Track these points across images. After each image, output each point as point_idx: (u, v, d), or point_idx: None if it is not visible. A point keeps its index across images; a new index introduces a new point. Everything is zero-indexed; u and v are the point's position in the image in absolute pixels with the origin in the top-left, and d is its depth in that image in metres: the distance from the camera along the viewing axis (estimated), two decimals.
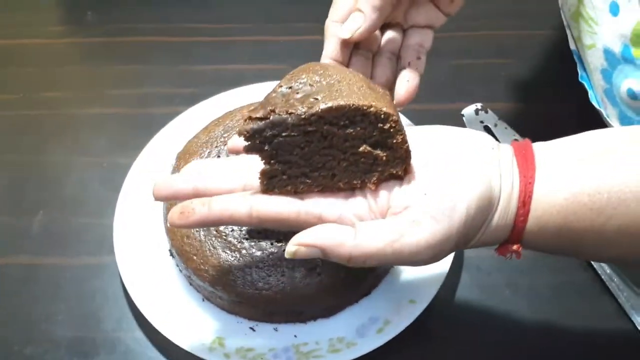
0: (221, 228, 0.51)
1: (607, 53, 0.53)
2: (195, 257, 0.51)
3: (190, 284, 0.54)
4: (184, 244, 0.52)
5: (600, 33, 0.53)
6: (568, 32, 0.61)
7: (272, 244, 0.51)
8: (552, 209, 0.37)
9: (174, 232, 0.53)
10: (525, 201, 0.38)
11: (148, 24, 0.77)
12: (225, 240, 0.51)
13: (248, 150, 0.39)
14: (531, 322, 0.53)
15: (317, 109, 0.37)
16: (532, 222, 0.38)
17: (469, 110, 0.64)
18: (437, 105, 0.66)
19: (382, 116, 0.38)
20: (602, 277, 0.53)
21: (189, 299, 0.53)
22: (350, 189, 0.40)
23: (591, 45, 0.55)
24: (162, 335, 0.50)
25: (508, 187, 0.39)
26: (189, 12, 0.78)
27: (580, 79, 0.59)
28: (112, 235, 0.55)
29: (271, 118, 0.37)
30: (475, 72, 0.70)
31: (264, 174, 0.40)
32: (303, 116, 0.37)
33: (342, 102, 0.37)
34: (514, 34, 0.73)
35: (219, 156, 0.56)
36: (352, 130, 0.38)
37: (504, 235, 0.39)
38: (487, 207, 0.38)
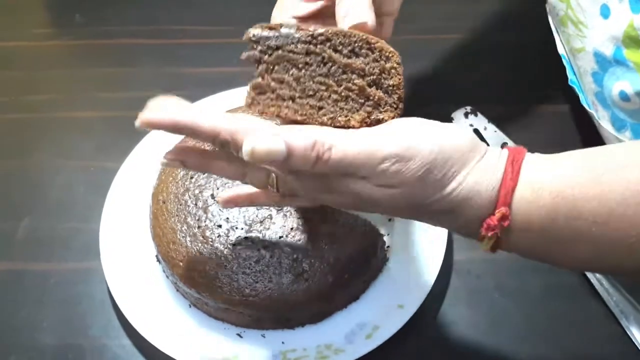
0: (207, 233, 0.51)
1: (598, 56, 0.52)
2: (181, 263, 0.50)
3: (177, 290, 0.53)
4: (170, 250, 0.51)
5: (590, 36, 0.53)
6: (556, 36, 0.61)
7: (259, 250, 0.50)
8: (542, 184, 0.36)
9: (160, 237, 0.52)
10: (514, 161, 0.36)
11: (136, 26, 0.76)
12: (212, 246, 0.50)
13: (247, 58, 0.38)
14: (520, 325, 0.53)
15: (327, 30, 0.38)
16: (524, 185, 0.36)
17: (458, 114, 0.63)
18: (426, 108, 0.65)
19: (388, 54, 0.38)
20: (592, 280, 0.53)
21: (175, 305, 0.52)
22: (331, 125, 0.38)
23: (581, 49, 0.55)
24: (149, 342, 0.50)
25: (494, 156, 0.37)
26: (178, 14, 0.78)
27: (570, 83, 0.58)
28: (99, 241, 0.55)
29: (281, 30, 0.38)
30: (465, 75, 0.70)
31: (254, 88, 0.39)
32: (311, 33, 0.38)
33: (352, 31, 0.38)
34: (503, 37, 0.73)
35: None
36: (353, 61, 0.38)
37: (489, 199, 0.36)
38: (464, 155, 0.36)
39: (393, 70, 0.38)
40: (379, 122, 0.39)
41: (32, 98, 0.70)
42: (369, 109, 0.39)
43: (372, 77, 0.38)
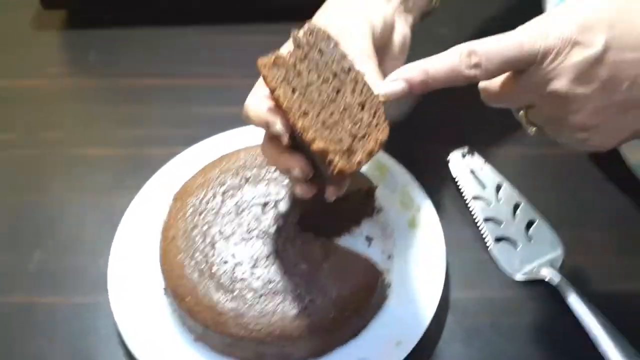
0: (214, 269, 0.52)
1: None
2: (188, 298, 0.52)
3: (183, 324, 0.54)
4: (178, 284, 0.53)
5: None
6: None
7: (263, 285, 0.51)
8: None
9: (168, 272, 0.54)
10: None
11: (148, 66, 0.78)
12: (218, 281, 0.52)
13: (294, 36, 0.43)
14: None
15: (358, 73, 0.43)
16: None
17: (455, 154, 0.65)
18: (423, 147, 0.67)
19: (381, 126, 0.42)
20: (583, 323, 0.53)
21: (181, 339, 0.54)
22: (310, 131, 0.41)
23: None
24: None
25: None
26: (189, 55, 0.79)
27: None
28: (107, 275, 0.56)
29: (329, 39, 0.43)
30: (463, 115, 0.70)
31: (277, 56, 0.42)
32: (348, 67, 0.43)
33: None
34: None
35: (214, 198, 0.57)
36: (357, 112, 0.42)
37: None
38: None
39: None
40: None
41: (45, 134, 0.72)
42: (349, 141, 0.41)
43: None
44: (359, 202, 0.60)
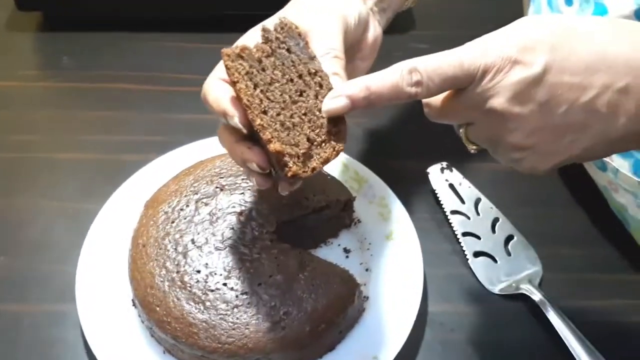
0: (186, 279, 0.51)
1: None
2: (158, 309, 0.50)
3: (152, 336, 0.53)
4: (147, 294, 0.51)
5: None
6: None
7: (237, 296, 0.50)
8: None
9: (138, 281, 0.52)
10: None
11: (123, 72, 0.77)
12: (189, 291, 0.50)
13: (264, 28, 0.44)
14: None
15: (324, 74, 0.43)
16: None
17: (434, 169, 0.65)
18: (402, 162, 0.67)
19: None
20: (565, 340, 0.53)
21: (150, 351, 0.52)
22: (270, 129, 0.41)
23: None
24: None
25: None
26: (164, 61, 0.79)
27: None
28: (75, 283, 0.54)
29: (300, 36, 0.44)
30: (441, 131, 0.70)
31: (243, 48, 0.42)
32: (313, 70, 0.43)
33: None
34: None
35: (187, 206, 0.56)
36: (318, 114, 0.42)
37: None
38: None
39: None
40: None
41: (15, 138, 0.70)
42: (306, 145, 0.41)
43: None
44: (337, 213, 0.59)
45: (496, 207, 0.63)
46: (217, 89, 0.44)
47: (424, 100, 0.42)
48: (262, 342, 0.49)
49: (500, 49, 0.38)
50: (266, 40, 0.43)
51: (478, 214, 0.62)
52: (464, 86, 0.39)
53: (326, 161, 0.41)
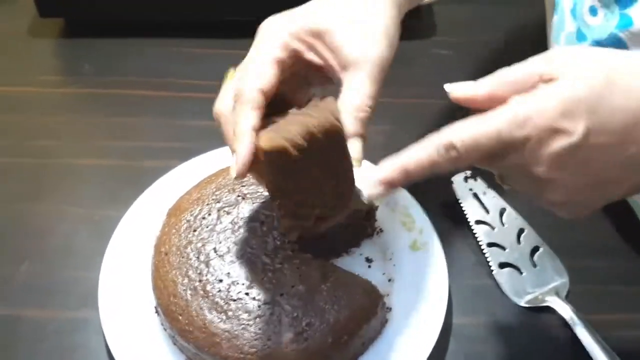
0: (208, 288, 0.51)
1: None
2: (180, 317, 0.50)
3: (174, 344, 0.53)
4: (170, 302, 0.51)
5: None
6: None
7: (259, 306, 0.50)
8: None
9: (160, 289, 0.53)
10: None
11: (144, 78, 0.78)
12: (212, 300, 0.51)
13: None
14: None
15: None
16: None
17: (458, 178, 0.64)
18: None
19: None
20: (592, 353, 0.52)
21: None
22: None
23: None
24: None
25: None
26: (186, 68, 0.79)
27: None
28: (98, 290, 0.55)
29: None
30: None
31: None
32: None
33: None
34: None
35: (210, 214, 0.56)
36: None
37: None
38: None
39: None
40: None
41: (37, 143, 0.71)
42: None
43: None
44: (359, 223, 0.59)
45: (521, 217, 0.62)
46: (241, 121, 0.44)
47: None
48: (284, 353, 0.49)
49: (539, 117, 0.37)
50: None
51: (503, 224, 0.62)
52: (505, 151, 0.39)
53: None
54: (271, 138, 0.41)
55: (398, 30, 0.49)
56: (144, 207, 0.61)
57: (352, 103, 0.45)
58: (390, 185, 0.40)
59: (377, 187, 0.40)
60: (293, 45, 0.47)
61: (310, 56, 0.48)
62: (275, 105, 0.46)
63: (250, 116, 0.44)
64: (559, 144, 0.37)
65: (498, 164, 0.39)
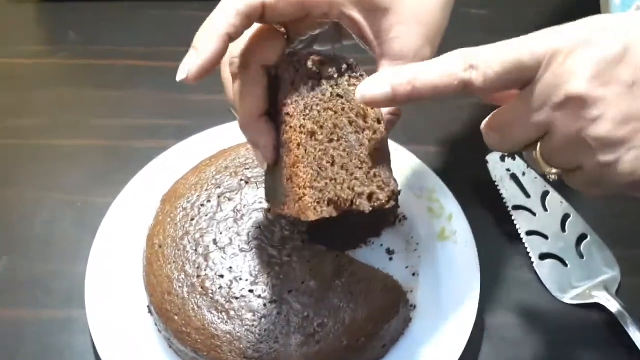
0: (207, 284, 0.51)
1: None
2: (176, 317, 0.51)
3: (170, 347, 0.53)
4: (164, 300, 0.51)
5: None
6: None
7: (264, 305, 0.50)
8: None
9: (153, 286, 0.53)
10: None
11: (134, 46, 0.78)
12: (211, 298, 0.51)
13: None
14: None
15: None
16: None
17: (494, 156, 0.64)
18: (459, 149, 0.67)
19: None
20: None
21: None
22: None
23: None
24: None
25: None
26: (180, 34, 0.78)
27: None
28: (84, 286, 0.55)
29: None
30: None
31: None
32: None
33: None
34: None
35: (209, 201, 0.56)
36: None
37: None
38: None
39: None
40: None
41: (15, 122, 0.71)
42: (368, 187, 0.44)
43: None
44: (379, 209, 0.58)
45: (566, 201, 0.62)
46: (247, 90, 0.44)
47: (482, 126, 0.41)
48: (293, 357, 0.49)
49: (570, 32, 0.37)
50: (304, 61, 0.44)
51: (545, 209, 0.61)
52: (529, 76, 0.38)
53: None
54: (315, 206, 0.42)
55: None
56: (135, 192, 0.61)
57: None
58: (393, 89, 0.39)
59: (379, 85, 0.39)
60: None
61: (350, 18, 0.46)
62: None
63: (230, 18, 0.41)
64: (594, 53, 0.36)
65: (524, 101, 0.38)
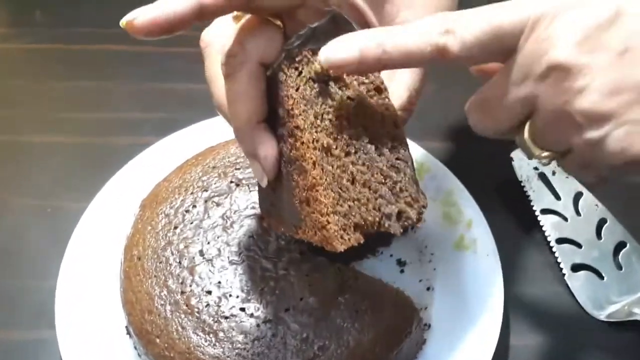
0: (193, 302, 0.51)
1: None
2: (158, 340, 0.50)
3: None
4: (144, 321, 0.51)
5: None
6: None
7: (258, 325, 0.50)
8: None
9: (132, 304, 0.53)
10: None
11: (111, 28, 0.76)
12: (198, 318, 0.50)
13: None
14: None
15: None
16: None
17: (519, 153, 0.64)
18: (481, 146, 0.65)
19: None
20: None
21: None
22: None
23: None
24: None
25: None
26: None
27: None
28: (54, 304, 0.55)
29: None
30: None
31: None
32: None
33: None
34: None
35: (195, 206, 0.56)
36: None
37: None
38: None
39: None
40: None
41: None
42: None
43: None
44: None
45: (602, 205, 0.62)
46: (239, 92, 0.43)
47: (466, 106, 0.41)
48: None
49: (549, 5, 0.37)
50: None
51: (578, 213, 0.61)
52: (511, 45, 0.38)
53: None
54: (342, 234, 0.42)
55: None
56: (112, 197, 0.61)
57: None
58: (361, 52, 0.39)
59: (345, 47, 0.39)
60: None
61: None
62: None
63: None
64: (582, 17, 0.36)
65: (507, 73, 0.38)
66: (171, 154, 0.62)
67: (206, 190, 0.57)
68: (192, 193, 0.57)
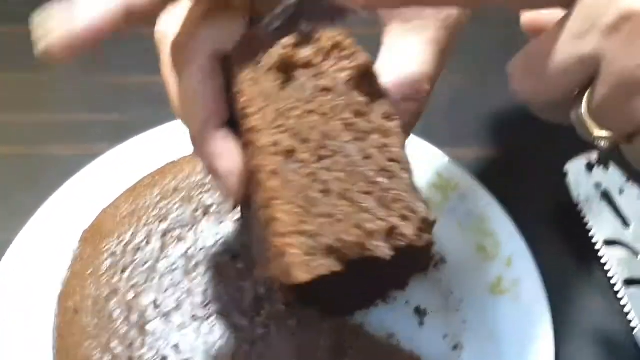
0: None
1: None
2: None
3: None
4: None
5: None
6: None
7: None
8: None
9: (66, 354, 0.52)
10: None
11: (40, 2, 0.77)
12: None
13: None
14: None
15: None
16: None
17: (576, 166, 0.63)
18: (518, 154, 0.67)
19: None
20: None
21: None
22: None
23: None
24: None
25: None
26: None
27: None
28: None
29: None
30: None
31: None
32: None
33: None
34: None
35: (148, 242, 0.56)
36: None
37: None
38: None
39: None
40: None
41: None
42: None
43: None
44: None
45: None
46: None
47: (509, 66, 0.41)
48: None
49: None
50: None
51: None
52: None
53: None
54: (308, 261, 0.40)
55: None
56: (44, 227, 0.60)
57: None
58: None
59: None
60: None
61: None
62: None
63: None
64: None
65: (563, 31, 0.38)
66: (126, 167, 0.63)
67: (164, 221, 0.57)
68: (145, 224, 0.57)
